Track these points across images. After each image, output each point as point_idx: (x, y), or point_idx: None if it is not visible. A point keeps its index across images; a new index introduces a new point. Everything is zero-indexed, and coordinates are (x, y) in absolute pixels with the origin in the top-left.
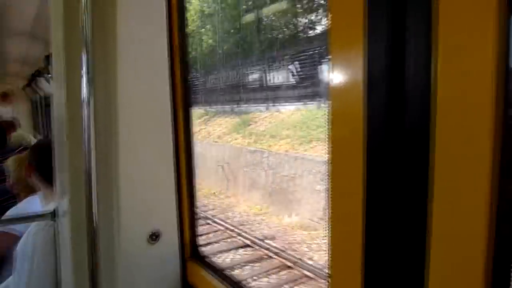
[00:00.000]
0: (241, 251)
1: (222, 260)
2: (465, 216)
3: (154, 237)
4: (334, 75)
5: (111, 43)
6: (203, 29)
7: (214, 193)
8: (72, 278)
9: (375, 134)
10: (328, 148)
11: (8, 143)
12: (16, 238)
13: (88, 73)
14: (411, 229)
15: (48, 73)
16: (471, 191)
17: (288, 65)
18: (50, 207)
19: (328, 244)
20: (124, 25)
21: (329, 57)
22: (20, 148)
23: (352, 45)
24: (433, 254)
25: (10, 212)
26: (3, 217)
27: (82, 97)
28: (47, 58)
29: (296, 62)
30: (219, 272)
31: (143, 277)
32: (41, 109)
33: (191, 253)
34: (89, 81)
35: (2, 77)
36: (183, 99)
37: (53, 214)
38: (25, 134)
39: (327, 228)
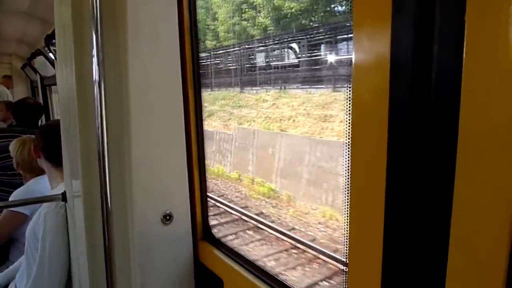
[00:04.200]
0: None
1: None
2: (489, 214)
3: (168, 217)
4: (357, 56)
5: (121, 23)
6: None
7: None
8: (86, 259)
9: (399, 120)
10: (348, 134)
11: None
12: (25, 217)
13: (98, 53)
14: (433, 223)
15: (49, 53)
16: (498, 188)
17: None
18: (58, 188)
19: (347, 234)
20: (134, 4)
21: (352, 35)
22: None
23: (378, 23)
24: (454, 252)
25: (18, 191)
26: (14, 198)
27: (93, 78)
28: (48, 37)
29: None
30: (230, 252)
31: (157, 257)
32: (42, 89)
33: (202, 234)
34: (100, 61)
35: None
36: (194, 81)
37: (64, 196)
38: None
39: (346, 218)
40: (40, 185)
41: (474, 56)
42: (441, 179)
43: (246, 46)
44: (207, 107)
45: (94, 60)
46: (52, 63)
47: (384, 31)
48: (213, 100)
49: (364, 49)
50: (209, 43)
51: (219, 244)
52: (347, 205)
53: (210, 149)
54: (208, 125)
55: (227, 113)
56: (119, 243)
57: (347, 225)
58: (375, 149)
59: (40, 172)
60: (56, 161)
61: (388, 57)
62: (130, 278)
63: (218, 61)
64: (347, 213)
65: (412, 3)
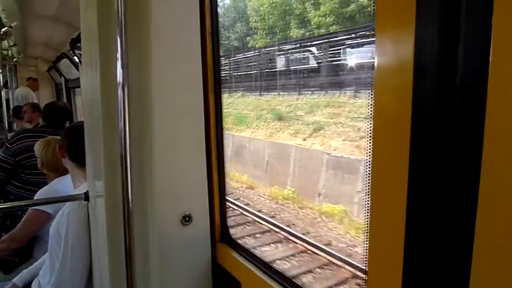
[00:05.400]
0: None
1: None
2: None
3: (187, 218)
4: (380, 59)
5: (145, 27)
6: None
7: None
8: (107, 258)
9: (423, 124)
10: (370, 138)
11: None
12: (49, 216)
13: (122, 56)
14: (456, 229)
15: (74, 56)
16: None
17: None
18: (81, 188)
19: (367, 239)
20: (158, 9)
21: (375, 39)
22: None
23: (401, 26)
24: (478, 257)
25: (42, 191)
26: (38, 197)
27: (117, 81)
28: (73, 41)
29: None
30: (248, 255)
31: (176, 257)
32: (66, 91)
33: (221, 236)
34: (124, 64)
35: (26, 60)
36: (214, 84)
37: (86, 195)
38: None
39: (366, 223)
40: (63, 184)
41: (501, 59)
42: (465, 185)
43: (364, 33)
44: (303, 116)
45: (118, 63)
46: (76, 66)
47: (407, 34)
48: (310, 107)
49: (387, 52)
50: (296, 32)
51: (237, 246)
52: (368, 210)
53: (352, 186)
54: (325, 145)
55: (349, 128)
56: (139, 242)
57: (367, 230)
58: (398, 154)
59: (64, 171)
60: (80, 161)
61: (412, 61)
62: (149, 277)
63: (307, 56)
64: (368, 219)
65: (436, 6)
